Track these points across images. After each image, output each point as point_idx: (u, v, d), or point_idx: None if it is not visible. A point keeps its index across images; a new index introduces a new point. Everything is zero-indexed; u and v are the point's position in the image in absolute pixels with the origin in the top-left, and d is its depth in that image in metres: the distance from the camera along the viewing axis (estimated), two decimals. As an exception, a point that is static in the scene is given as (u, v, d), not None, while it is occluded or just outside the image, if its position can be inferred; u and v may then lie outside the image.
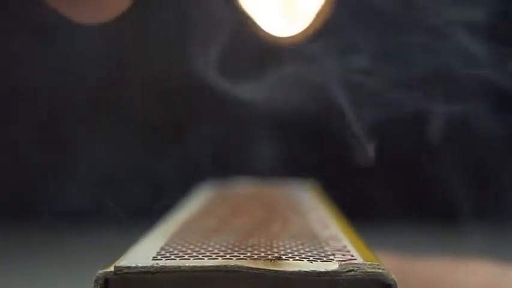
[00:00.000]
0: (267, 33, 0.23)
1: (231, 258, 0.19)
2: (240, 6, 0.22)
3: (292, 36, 0.23)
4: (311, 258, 0.19)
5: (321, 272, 0.18)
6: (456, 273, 0.30)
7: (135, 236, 0.23)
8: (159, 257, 0.20)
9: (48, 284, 0.59)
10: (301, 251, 0.20)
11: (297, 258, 0.19)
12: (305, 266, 0.19)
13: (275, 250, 0.20)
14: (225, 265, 0.19)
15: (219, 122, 0.74)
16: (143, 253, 0.20)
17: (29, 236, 0.74)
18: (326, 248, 0.21)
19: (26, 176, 0.80)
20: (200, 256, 0.20)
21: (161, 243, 0.21)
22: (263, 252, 0.20)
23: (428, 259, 0.32)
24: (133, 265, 0.19)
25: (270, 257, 0.19)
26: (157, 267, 0.19)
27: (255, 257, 0.19)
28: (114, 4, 0.23)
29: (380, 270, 0.18)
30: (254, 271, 0.19)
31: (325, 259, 0.19)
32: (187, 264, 0.19)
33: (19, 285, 0.58)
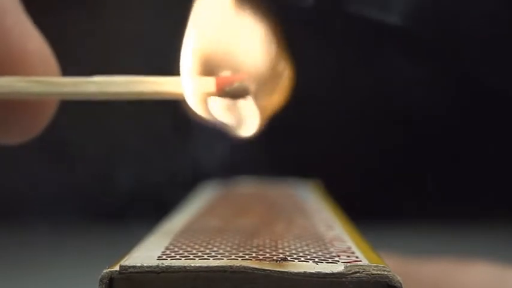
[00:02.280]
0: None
1: (237, 259, 0.19)
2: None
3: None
4: (316, 260, 0.19)
5: (326, 274, 0.19)
6: (460, 274, 0.30)
7: (140, 235, 0.23)
8: (164, 257, 0.20)
9: (53, 284, 0.59)
10: (306, 252, 0.20)
11: (302, 259, 0.20)
12: (310, 267, 0.19)
13: (280, 251, 0.20)
14: (231, 266, 0.19)
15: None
16: (148, 253, 0.20)
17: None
18: (331, 249, 0.21)
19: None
20: (205, 256, 0.20)
21: (166, 243, 0.21)
22: (268, 252, 0.20)
23: (431, 260, 0.32)
24: (139, 264, 0.19)
25: (275, 257, 0.19)
26: (162, 266, 0.19)
27: (261, 257, 0.19)
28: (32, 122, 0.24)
29: (385, 272, 0.19)
30: (260, 272, 0.19)
31: (330, 260, 0.19)
32: (192, 265, 0.19)
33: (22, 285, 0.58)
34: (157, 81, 0.23)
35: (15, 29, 0.23)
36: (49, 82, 0.23)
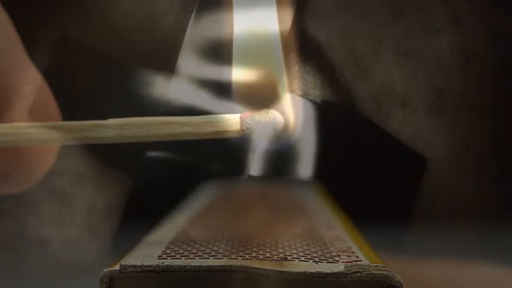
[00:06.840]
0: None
1: (237, 258, 0.19)
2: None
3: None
4: (316, 259, 0.19)
5: (326, 274, 0.19)
6: (460, 275, 0.30)
7: (140, 235, 0.23)
8: (164, 256, 0.20)
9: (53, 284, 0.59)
10: (307, 252, 0.20)
11: (302, 259, 0.20)
12: (311, 267, 0.19)
13: (280, 250, 0.20)
14: (231, 265, 0.19)
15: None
16: (148, 252, 0.20)
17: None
18: (331, 249, 0.21)
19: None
20: (205, 256, 0.20)
21: (166, 243, 0.21)
22: (268, 252, 0.20)
23: (431, 261, 0.32)
24: (139, 264, 0.19)
25: (275, 257, 0.20)
26: (162, 266, 0.19)
27: (261, 257, 0.19)
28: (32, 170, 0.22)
29: (386, 272, 0.19)
30: (260, 271, 0.19)
31: (330, 260, 0.19)
32: (192, 264, 0.19)
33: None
34: (178, 122, 0.21)
35: (11, 71, 0.21)
36: (62, 128, 0.21)
